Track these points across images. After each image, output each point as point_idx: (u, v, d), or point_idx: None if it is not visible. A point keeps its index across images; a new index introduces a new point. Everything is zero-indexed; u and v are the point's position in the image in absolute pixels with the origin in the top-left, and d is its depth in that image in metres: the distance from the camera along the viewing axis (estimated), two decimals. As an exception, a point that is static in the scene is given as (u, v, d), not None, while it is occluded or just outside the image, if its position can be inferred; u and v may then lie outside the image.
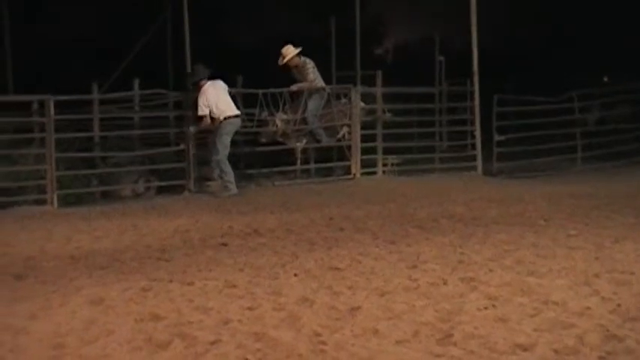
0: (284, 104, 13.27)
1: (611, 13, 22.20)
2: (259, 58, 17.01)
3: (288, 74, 13.50)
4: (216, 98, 12.19)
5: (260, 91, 13.04)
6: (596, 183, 13.00)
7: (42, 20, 22.49)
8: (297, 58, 13.19)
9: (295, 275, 6.57)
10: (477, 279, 6.20)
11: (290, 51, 13.12)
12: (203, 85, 12.23)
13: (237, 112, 12.36)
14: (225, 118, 12.19)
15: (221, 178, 12.22)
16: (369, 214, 9.91)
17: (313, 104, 13.37)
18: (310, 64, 13.27)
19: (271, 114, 13.18)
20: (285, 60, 13.13)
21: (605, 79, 22.83)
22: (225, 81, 12.59)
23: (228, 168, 12.17)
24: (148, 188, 13.22)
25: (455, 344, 4.75)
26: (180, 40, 13.79)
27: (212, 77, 12.39)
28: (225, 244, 8.28)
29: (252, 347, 4.80)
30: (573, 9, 23.28)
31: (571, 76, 19.91)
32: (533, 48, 23.87)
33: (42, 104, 12.21)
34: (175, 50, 16.25)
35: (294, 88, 13.32)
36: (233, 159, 12.92)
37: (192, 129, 12.55)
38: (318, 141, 13.68)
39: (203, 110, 12.16)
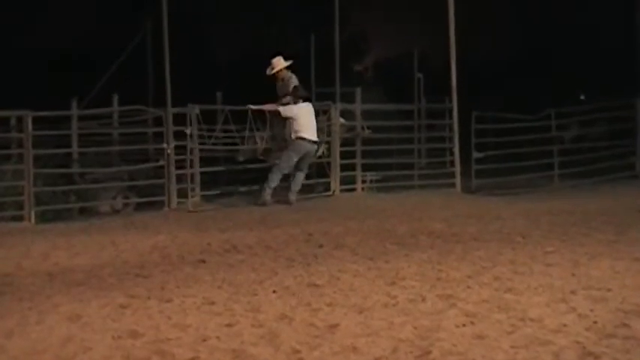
0: (265, 121, 13.28)
1: (589, 31, 22.42)
2: (239, 74, 17.01)
3: (268, 90, 13.49)
4: (304, 118, 12.70)
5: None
6: (574, 200, 13.07)
7: (21, 35, 22.38)
8: (285, 71, 13.26)
9: (274, 292, 6.57)
10: (456, 296, 6.22)
11: (280, 63, 13.19)
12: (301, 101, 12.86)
13: (314, 138, 12.80)
14: (298, 138, 12.56)
15: (264, 183, 12.65)
16: (348, 231, 9.92)
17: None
18: (295, 81, 13.34)
19: (252, 130, 13.19)
20: (274, 70, 13.19)
21: (582, 97, 23.02)
22: (204, 97, 12.62)
23: (274, 181, 12.60)
24: (126, 204, 13.18)
25: (433, 361, 4.77)
26: (160, 56, 13.75)
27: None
28: (203, 261, 8.25)
29: (230, 364, 4.80)
30: (551, 27, 23.50)
31: (548, 94, 20.07)
32: (512, 66, 24.01)
33: (20, 120, 12.13)
34: (155, 66, 16.21)
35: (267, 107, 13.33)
36: (213, 177, 12.88)
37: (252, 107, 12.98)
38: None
39: (284, 108, 12.74)
